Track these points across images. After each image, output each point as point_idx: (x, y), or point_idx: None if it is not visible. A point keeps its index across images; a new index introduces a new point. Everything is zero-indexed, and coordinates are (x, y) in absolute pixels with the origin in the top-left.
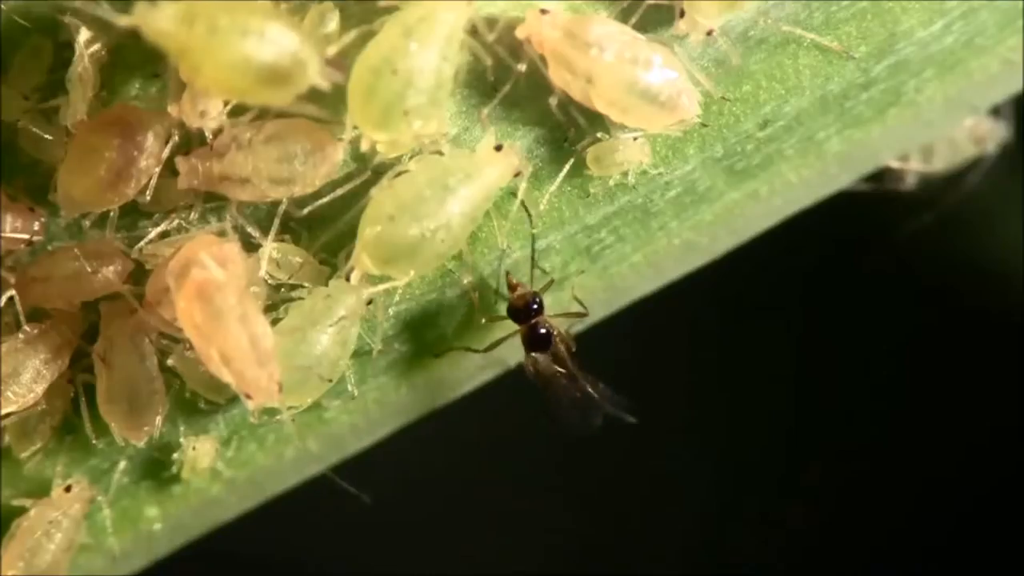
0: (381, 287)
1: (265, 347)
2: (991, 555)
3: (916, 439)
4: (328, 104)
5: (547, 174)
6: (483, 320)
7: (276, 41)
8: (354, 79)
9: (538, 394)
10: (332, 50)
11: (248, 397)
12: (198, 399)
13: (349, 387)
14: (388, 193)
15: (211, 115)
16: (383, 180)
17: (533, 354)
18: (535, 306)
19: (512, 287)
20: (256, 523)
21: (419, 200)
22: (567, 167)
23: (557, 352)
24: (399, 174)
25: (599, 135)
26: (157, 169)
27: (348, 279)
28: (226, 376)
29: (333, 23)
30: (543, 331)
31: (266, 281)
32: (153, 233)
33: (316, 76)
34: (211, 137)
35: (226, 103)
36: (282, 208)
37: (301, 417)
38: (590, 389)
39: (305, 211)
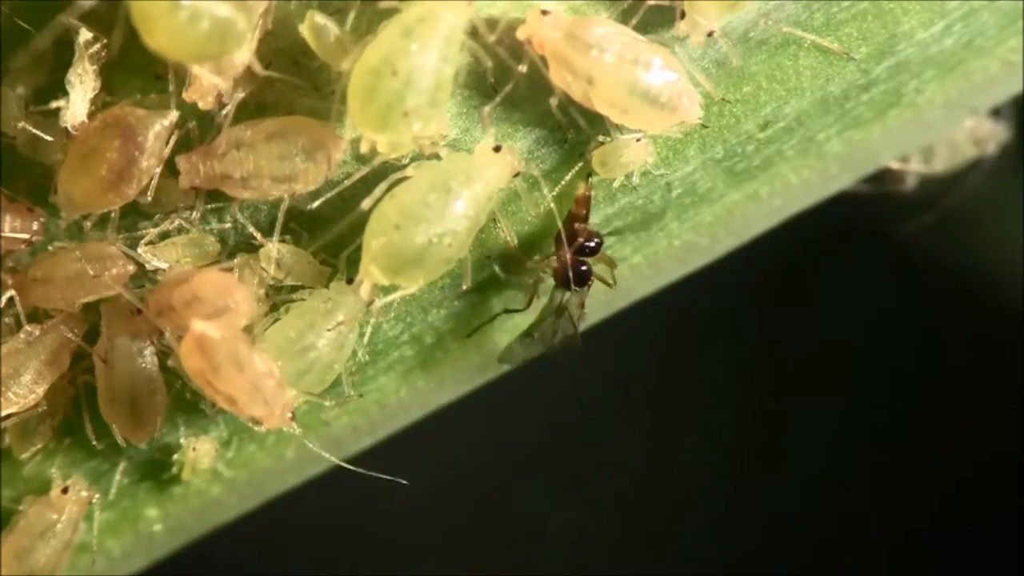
0: (393, 296)
1: (270, 386)
2: (992, 555)
3: (916, 438)
4: (328, 100)
5: (547, 175)
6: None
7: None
8: (354, 81)
9: (538, 390)
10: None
11: (258, 424)
12: (198, 400)
13: (348, 388)
14: (391, 202)
15: (223, 88)
16: (380, 185)
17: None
18: (597, 242)
19: (580, 215)
20: (254, 522)
21: (423, 206)
22: (573, 171)
23: (580, 296)
24: (398, 181)
25: (599, 136)
26: (158, 169)
27: (350, 283)
28: (235, 413)
29: (324, 19)
30: (584, 268)
31: (267, 283)
32: (153, 232)
33: (244, 54)
34: (222, 115)
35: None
36: (284, 207)
37: (301, 417)
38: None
39: (306, 211)
